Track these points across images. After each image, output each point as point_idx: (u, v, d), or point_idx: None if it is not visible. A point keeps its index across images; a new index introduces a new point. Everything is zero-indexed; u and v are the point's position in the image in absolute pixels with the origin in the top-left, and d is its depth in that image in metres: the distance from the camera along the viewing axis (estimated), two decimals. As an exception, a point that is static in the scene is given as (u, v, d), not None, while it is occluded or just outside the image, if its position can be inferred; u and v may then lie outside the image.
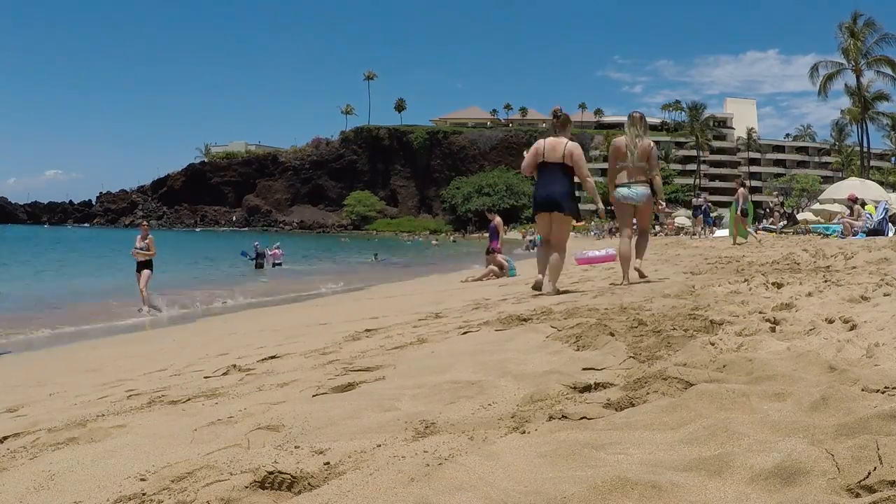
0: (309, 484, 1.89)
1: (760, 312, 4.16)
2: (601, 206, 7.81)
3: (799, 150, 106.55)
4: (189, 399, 3.61)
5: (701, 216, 31.78)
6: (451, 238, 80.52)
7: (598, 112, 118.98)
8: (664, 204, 8.39)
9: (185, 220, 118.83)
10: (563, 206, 7.28)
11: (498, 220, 16.00)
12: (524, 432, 2.15)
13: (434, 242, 72.30)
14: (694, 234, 32.77)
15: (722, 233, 27.66)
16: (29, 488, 2.18)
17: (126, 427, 2.95)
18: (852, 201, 20.23)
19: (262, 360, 5.11)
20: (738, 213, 18.22)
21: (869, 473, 1.53)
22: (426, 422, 2.40)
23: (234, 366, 4.89)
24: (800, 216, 30.34)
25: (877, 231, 17.20)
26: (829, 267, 7.45)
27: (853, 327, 3.42)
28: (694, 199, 37.06)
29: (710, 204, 34.51)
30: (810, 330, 3.42)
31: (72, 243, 55.14)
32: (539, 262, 7.67)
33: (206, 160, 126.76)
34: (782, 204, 36.79)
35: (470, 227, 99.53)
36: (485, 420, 2.39)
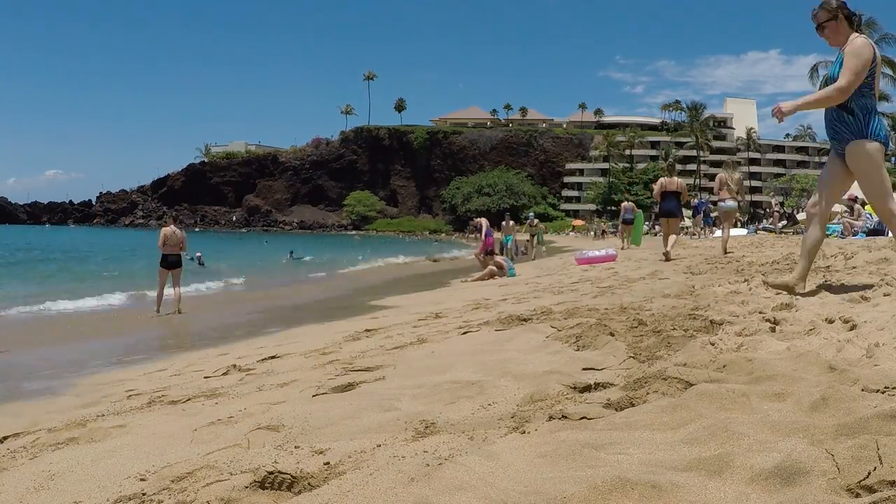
0: (309, 484, 1.89)
1: (760, 312, 4.15)
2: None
3: (799, 150, 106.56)
4: (189, 399, 3.61)
5: (700, 216, 31.81)
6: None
7: (598, 112, 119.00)
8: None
9: (184, 220, 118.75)
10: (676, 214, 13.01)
11: (485, 220, 17.14)
12: (524, 432, 2.15)
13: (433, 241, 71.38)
14: (693, 234, 32.80)
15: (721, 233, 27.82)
16: (29, 488, 2.18)
17: (126, 427, 2.95)
18: (852, 201, 20.22)
19: (262, 360, 5.12)
20: (622, 223, 23.00)
21: (869, 473, 1.53)
22: (426, 422, 2.40)
23: (234, 366, 4.90)
24: (800, 216, 30.32)
25: (877, 231, 17.18)
26: (829, 267, 7.44)
27: (853, 327, 3.42)
28: (692, 200, 37.07)
29: (710, 205, 34.51)
30: (810, 330, 3.42)
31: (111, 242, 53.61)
32: (664, 243, 12.58)
33: (206, 160, 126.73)
34: (781, 204, 36.80)
35: (469, 227, 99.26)
36: (485, 420, 2.39)
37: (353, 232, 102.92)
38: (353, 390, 3.17)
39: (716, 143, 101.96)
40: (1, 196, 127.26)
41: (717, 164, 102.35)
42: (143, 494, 1.96)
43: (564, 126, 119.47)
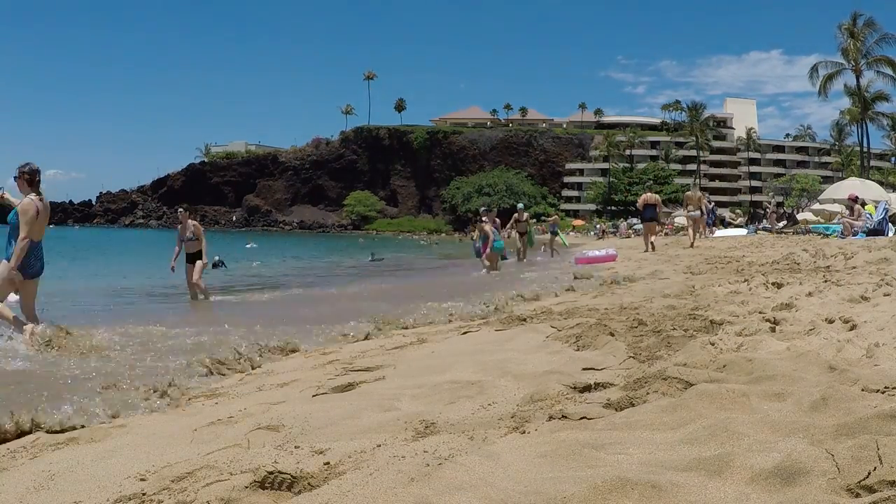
0: (309, 484, 1.89)
1: (760, 312, 4.16)
2: None
3: (799, 150, 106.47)
4: (189, 399, 3.61)
5: (704, 217, 31.81)
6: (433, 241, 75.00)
7: (598, 112, 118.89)
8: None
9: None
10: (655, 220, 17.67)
11: (491, 227, 16.75)
12: (524, 432, 2.15)
13: (423, 242, 71.19)
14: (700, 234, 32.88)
15: (721, 233, 27.84)
16: (29, 488, 2.17)
17: (126, 427, 2.95)
18: (852, 201, 20.20)
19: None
20: (551, 233, 27.61)
21: (869, 473, 1.53)
22: (426, 422, 2.40)
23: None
24: (800, 216, 30.31)
25: (877, 231, 17.18)
26: (829, 267, 7.44)
27: (853, 327, 3.42)
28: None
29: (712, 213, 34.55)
30: (810, 330, 3.42)
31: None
32: (645, 242, 16.58)
33: (206, 160, 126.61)
34: (780, 204, 36.77)
35: (470, 227, 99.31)
36: (485, 420, 2.39)
37: (357, 233, 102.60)
38: (353, 390, 3.18)
39: (716, 143, 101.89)
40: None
41: (717, 164, 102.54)
42: (143, 494, 1.96)
43: (564, 126, 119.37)
